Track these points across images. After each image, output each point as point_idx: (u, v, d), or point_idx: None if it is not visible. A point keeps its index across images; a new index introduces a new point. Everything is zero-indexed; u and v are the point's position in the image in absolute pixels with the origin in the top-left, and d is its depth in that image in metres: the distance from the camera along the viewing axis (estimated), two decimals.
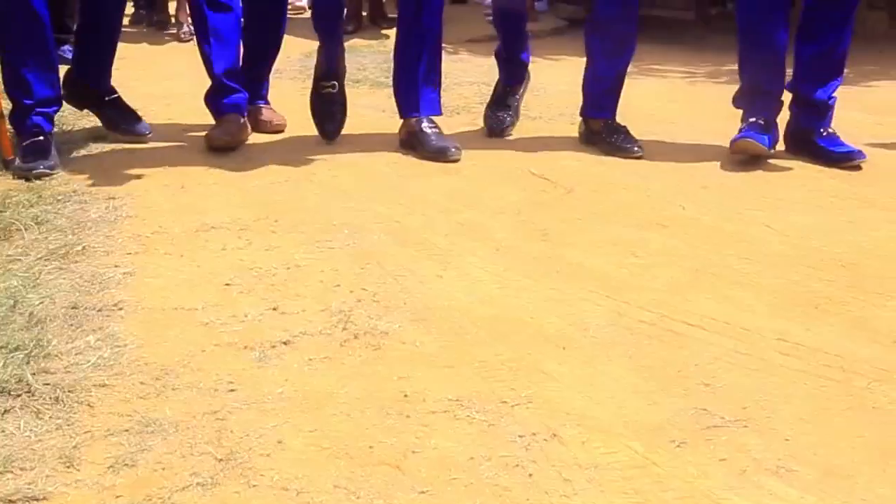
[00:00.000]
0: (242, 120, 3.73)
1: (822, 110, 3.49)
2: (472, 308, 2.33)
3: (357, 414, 1.88)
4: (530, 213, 2.98)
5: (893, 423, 1.84)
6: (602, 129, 3.63)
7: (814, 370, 2.03)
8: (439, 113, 3.68)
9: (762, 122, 3.45)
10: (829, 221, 2.88)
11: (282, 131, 3.87)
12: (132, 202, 3.06)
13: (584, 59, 3.68)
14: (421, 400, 1.92)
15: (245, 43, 3.86)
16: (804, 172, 3.35)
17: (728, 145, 3.43)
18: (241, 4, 3.73)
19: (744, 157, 3.39)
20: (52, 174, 3.29)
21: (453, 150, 3.49)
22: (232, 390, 1.96)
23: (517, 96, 4.00)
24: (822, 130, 3.48)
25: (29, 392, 1.94)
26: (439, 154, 3.49)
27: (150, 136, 3.74)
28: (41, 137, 3.40)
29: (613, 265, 2.59)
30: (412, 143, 3.58)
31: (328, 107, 3.71)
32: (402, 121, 3.67)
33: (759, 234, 2.80)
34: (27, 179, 3.25)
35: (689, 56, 5.63)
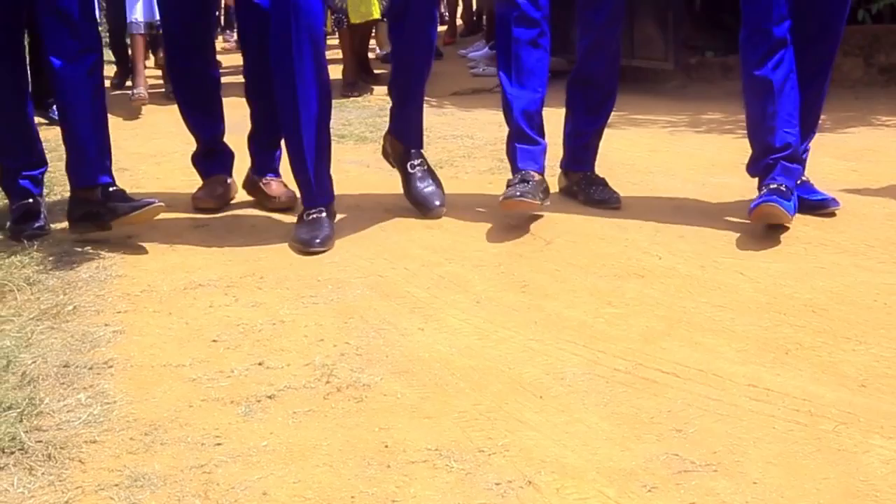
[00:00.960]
0: (229, 180, 3.79)
1: (799, 162, 3.46)
2: (452, 359, 2.40)
3: (339, 465, 1.94)
4: (510, 264, 3.05)
5: (857, 465, 1.90)
6: (581, 181, 3.69)
7: (782, 414, 2.10)
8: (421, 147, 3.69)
9: (783, 189, 3.26)
10: (801, 268, 2.95)
11: (291, 208, 3.64)
12: (121, 261, 3.13)
13: (563, 111, 3.75)
14: (401, 450, 1.99)
15: (255, 111, 3.77)
16: None
17: (702, 196, 3.49)
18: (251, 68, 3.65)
19: (765, 224, 3.24)
20: (42, 235, 3.37)
21: (437, 204, 3.53)
22: (219, 444, 2.03)
23: None
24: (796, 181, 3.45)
25: (22, 450, 2.00)
26: (422, 207, 3.54)
27: (161, 205, 3.37)
28: (30, 200, 3.48)
29: (590, 315, 2.66)
30: (400, 171, 3.65)
31: None
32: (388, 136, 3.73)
33: (733, 281, 2.87)
34: (18, 241, 3.33)
35: (669, 105, 5.75)
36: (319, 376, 2.31)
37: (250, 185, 3.81)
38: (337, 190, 3.43)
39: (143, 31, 6.38)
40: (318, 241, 3.21)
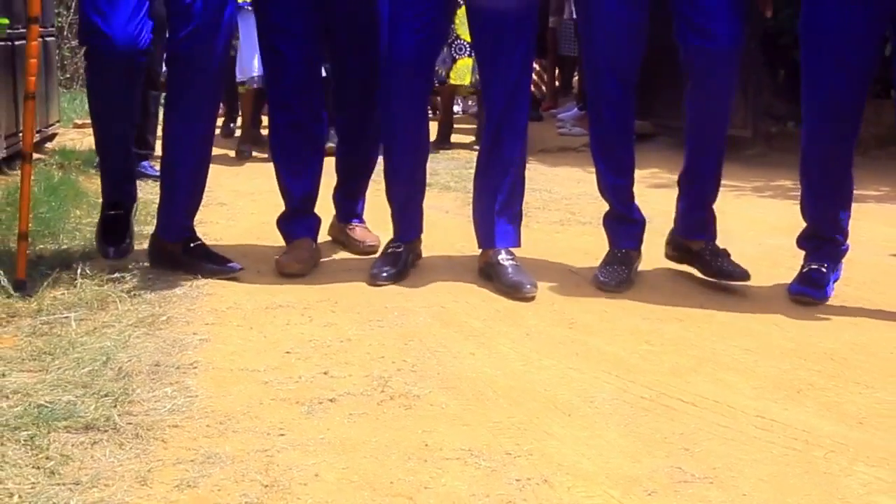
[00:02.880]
0: (314, 245, 3.81)
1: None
2: (495, 379, 2.69)
3: (383, 457, 2.23)
4: (562, 304, 3.33)
5: (839, 487, 2.14)
6: (704, 250, 3.60)
7: (781, 441, 2.34)
8: (517, 245, 3.64)
9: (823, 270, 3.41)
10: (833, 322, 3.18)
11: (374, 253, 3.80)
12: (212, 282, 3.48)
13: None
14: (438, 448, 2.27)
15: (339, 158, 3.98)
16: None
17: (756, 254, 3.70)
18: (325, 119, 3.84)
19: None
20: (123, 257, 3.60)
21: (528, 286, 3.40)
22: (282, 435, 2.33)
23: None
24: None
25: (115, 429, 2.33)
26: (514, 290, 3.41)
27: (242, 270, 3.59)
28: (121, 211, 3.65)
29: (627, 351, 2.93)
30: (489, 273, 3.56)
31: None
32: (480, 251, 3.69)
33: (765, 329, 3.11)
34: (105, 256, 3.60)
35: (740, 171, 5.96)
36: (376, 386, 2.61)
37: (336, 231, 4.07)
38: None
39: (254, 86, 6.52)
40: (384, 274, 3.52)
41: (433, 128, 6.89)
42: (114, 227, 3.62)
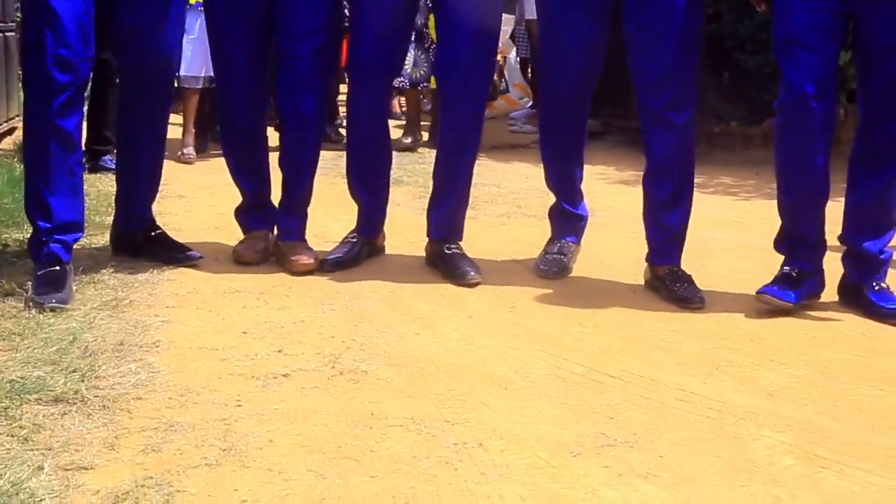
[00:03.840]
0: (270, 236, 3.88)
1: (875, 264, 3.39)
2: (438, 358, 2.89)
3: (332, 425, 2.43)
4: (504, 290, 3.54)
5: (745, 449, 2.36)
6: (667, 276, 3.55)
7: (698, 411, 2.56)
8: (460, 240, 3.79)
9: (794, 274, 3.37)
10: (759, 308, 3.39)
11: (308, 272, 3.67)
12: (172, 269, 3.65)
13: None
14: (384, 417, 2.47)
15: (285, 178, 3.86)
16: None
17: (692, 246, 3.90)
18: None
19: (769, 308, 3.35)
20: (63, 308, 3.13)
21: (472, 273, 3.58)
22: (238, 406, 2.52)
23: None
24: (874, 285, 3.38)
25: (82, 401, 2.50)
26: (459, 277, 3.58)
27: (201, 258, 3.72)
28: (56, 268, 3.28)
29: (562, 332, 3.14)
30: (435, 261, 3.74)
31: None
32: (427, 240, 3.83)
33: (693, 314, 3.34)
34: (40, 309, 3.12)
35: None
36: (327, 363, 2.80)
37: (273, 247, 3.88)
38: None
39: (199, 86, 6.38)
40: (330, 258, 3.76)
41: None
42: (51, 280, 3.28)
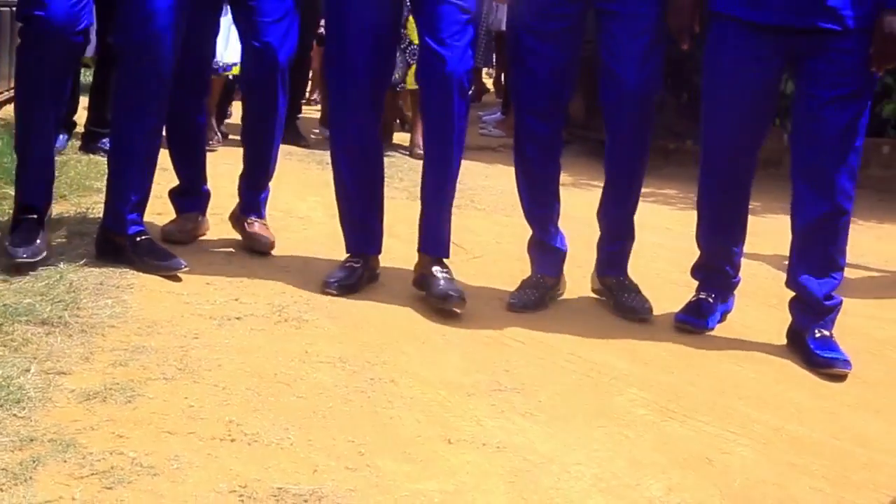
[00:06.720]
0: (200, 218, 4.06)
1: (818, 310, 3.31)
2: (371, 315, 3.37)
3: (272, 358, 2.91)
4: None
5: (613, 402, 2.86)
6: (614, 286, 3.68)
7: (581, 371, 3.05)
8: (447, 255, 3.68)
9: (710, 301, 3.49)
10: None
11: (266, 253, 3.93)
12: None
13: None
14: (316, 356, 2.96)
15: (247, 153, 3.99)
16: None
17: None
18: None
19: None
20: (32, 262, 3.36)
21: (456, 298, 3.45)
22: (196, 338, 3.00)
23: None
24: (815, 331, 3.29)
25: (65, 325, 2.98)
26: (442, 300, 3.45)
27: (186, 268, 3.57)
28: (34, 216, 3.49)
29: (485, 304, 3.62)
30: (422, 283, 3.59)
31: None
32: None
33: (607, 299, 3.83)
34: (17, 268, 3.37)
35: None
36: (274, 311, 3.29)
37: (235, 220, 4.09)
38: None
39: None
40: (333, 281, 3.59)
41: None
42: (26, 234, 3.45)
